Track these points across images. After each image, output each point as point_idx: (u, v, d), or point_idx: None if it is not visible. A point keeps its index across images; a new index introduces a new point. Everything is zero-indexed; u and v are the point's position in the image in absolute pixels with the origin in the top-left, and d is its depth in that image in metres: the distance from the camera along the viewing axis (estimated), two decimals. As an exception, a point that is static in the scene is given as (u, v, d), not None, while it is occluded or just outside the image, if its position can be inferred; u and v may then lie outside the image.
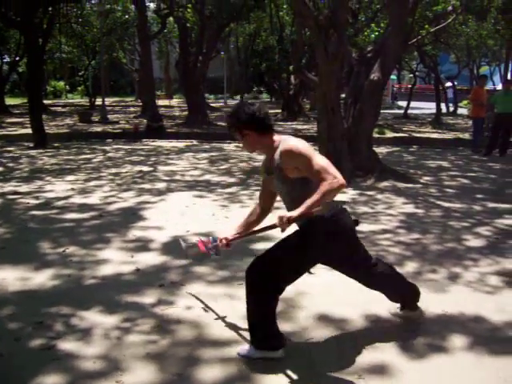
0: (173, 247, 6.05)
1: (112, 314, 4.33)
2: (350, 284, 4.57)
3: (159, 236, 6.46)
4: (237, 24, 31.08)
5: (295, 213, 3.24)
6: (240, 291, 4.75)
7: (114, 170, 11.29)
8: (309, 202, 3.22)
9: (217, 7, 22.33)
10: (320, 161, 3.33)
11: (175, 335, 4.00)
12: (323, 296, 4.72)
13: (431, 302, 4.57)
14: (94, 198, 8.53)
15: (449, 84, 34.06)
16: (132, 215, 7.49)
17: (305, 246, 3.55)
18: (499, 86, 31.97)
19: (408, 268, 5.44)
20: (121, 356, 3.68)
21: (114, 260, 5.64)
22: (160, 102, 34.13)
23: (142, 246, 6.12)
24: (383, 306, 4.47)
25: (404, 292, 4.16)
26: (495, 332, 4.11)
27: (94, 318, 4.27)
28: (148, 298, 4.66)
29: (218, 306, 4.50)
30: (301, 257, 3.58)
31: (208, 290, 4.84)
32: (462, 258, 5.78)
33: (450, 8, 17.05)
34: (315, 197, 3.22)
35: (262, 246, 5.97)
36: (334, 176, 3.23)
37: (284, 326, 4.10)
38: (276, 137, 3.60)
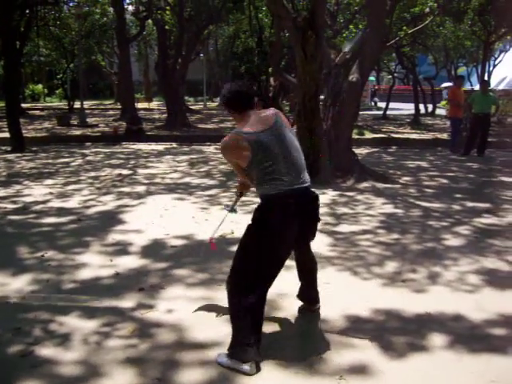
0: (152, 250, 6.01)
1: (91, 318, 4.29)
2: (329, 284, 4.59)
3: (139, 239, 6.40)
4: (216, 26, 31.02)
5: None
6: (219, 293, 4.74)
7: (92, 174, 11.19)
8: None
9: (195, 9, 22.29)
10: None
11: (155, 339, 3.97)
12: (303, 297, 4.70)
13: (411, 302, 4.60)
14: (72, 202, 8.44)
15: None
16: (111, 219, 7.43)
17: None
18: (477, 87, 32.26)
19: (388, 268, 5.46)
20: (100, 361, 3.65)
21: (93, 264, 5.58)
22: (139, 105, 33.91)
23: (122, 249, 6.07)
24: (363, 306, 4.48)
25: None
26: (475, 330, 4.14)
27: (73, 323, 4.22)
28: (127, 301, 4.62)
29: (198, 308, 4.48)
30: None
31: (188, 292, 4.81)
32: (442, 257, 5.82)
33: (427, 10, 17.23)
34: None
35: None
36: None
37: (264, 328, 4.08)
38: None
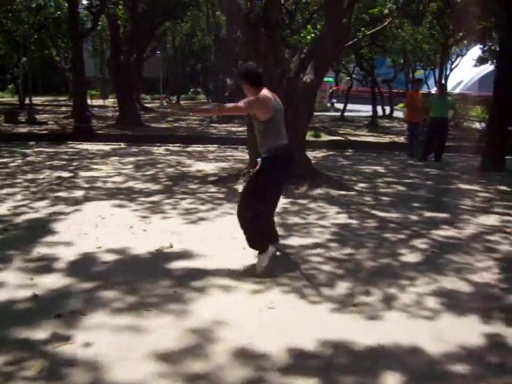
0: (79, 267, 5.40)
1: (-5, 354, 3.68)
2: (273, 309, 4.11)
3: (67, 253, 5.75)
4: (172, 23, 30.28)
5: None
6: (147, 321, 4.18)
7: (30, 176, 10.39)
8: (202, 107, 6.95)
9: (149, 5, 21.58)
10: (238, 103, 5.40)
11: (65, 380, 3.38)
12: (243, 326, 4.16)
13: (363, 332, 4.11)
14: (2, 209, 7.72)
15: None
16: (41, 228, 6.75)
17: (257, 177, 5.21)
18: (434, 90, 32.32)
19: (340, 289, 4.95)
20: (-5, 411, 3.06)
21: (10, 284, 4.93)
22: (94, 102, 33.04)
23: (45, 265, 5.41)
24: (309, 336, 3.97)
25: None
26: (432, 366, 3.67)
27: (-28, 360, 3.60)
28: (41, 332, 4.00)
29: (121, 339, 3.90)
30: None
31: (112, 320, 4.20)
32: (398, 276, 5.35)
33: (386, 11, 16.91)
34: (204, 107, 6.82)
35: (179, 265, 5.45)
36: (220, 108, 6.05)
37: (196, 366, 3.55)
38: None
